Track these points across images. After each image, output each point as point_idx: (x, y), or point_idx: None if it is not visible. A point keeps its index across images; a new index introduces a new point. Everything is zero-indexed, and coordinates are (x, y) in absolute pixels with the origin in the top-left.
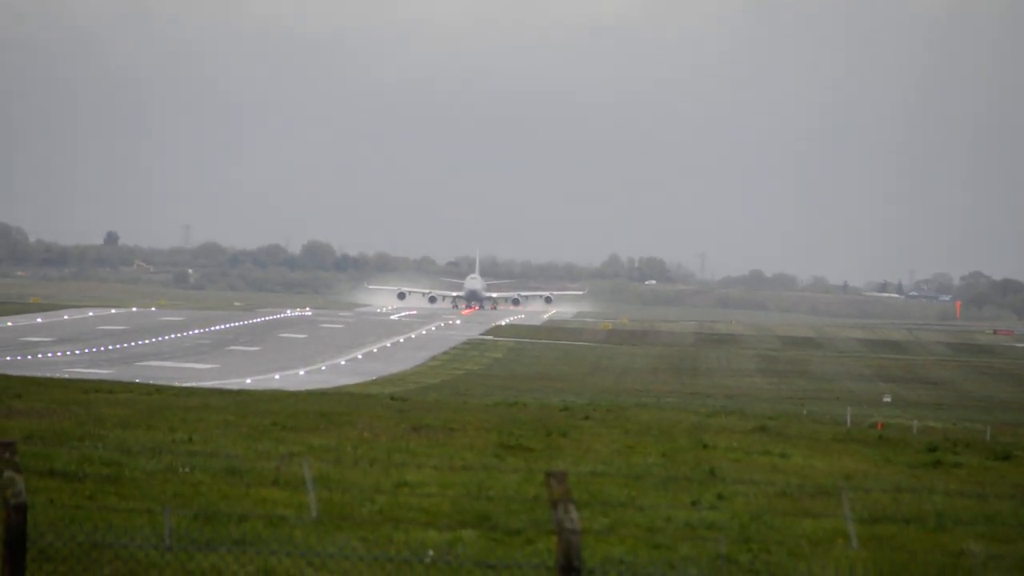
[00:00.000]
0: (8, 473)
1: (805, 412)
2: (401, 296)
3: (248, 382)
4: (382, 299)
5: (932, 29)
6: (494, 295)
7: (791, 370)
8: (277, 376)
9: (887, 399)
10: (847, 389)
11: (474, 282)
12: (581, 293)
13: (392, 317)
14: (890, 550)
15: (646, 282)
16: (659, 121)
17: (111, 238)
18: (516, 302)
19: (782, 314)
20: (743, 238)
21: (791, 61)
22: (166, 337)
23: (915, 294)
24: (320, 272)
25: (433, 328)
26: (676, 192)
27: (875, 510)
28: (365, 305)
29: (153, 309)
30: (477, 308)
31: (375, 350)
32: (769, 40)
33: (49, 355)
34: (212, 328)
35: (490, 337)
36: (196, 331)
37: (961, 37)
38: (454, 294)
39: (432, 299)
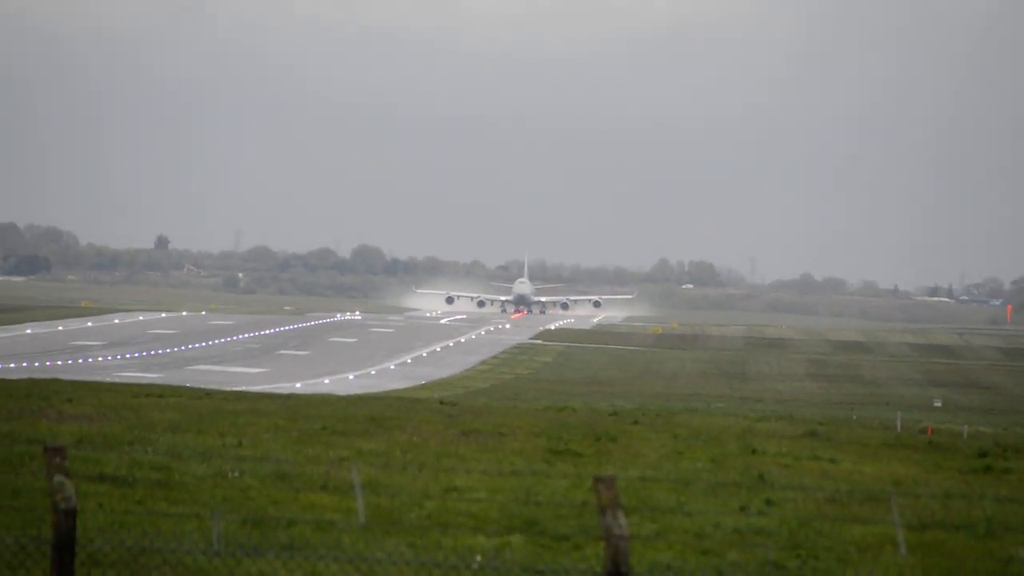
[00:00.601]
0: (58, 477)
1: (855, 417)
2: (449, 300)
3: (298, 386)
4: (430, 303)
5: (982, 30)
6: (543, 299)
7: (841, 375)
8: (327, 380)
9: (937, 404)
10: (897, 394)
11: (523, 286)
12: (630, 297)
13: (442, 321)
14: (939, 556)
15: (683, 285)
16: (708, 125)
17: (161, 242)
18: (565, 306)
19: (832, 318)
20: (793, 242)
21: (840, 64)
22: (216, 341)
23: (965, 298)
24: (370, 276)
25: (482, 332)
26: (726, 196)
27: (924, 516)
28: (414, 309)
29: (203, 313)
30: (526, 312)
31: (425, 354)
32: (817, 42)
33: (100, 359)
34: (262, 332)
35: (539, 341)
36: (246, 335)
37: (1012, 38)
38: (503, 298)
39: (480, 303)
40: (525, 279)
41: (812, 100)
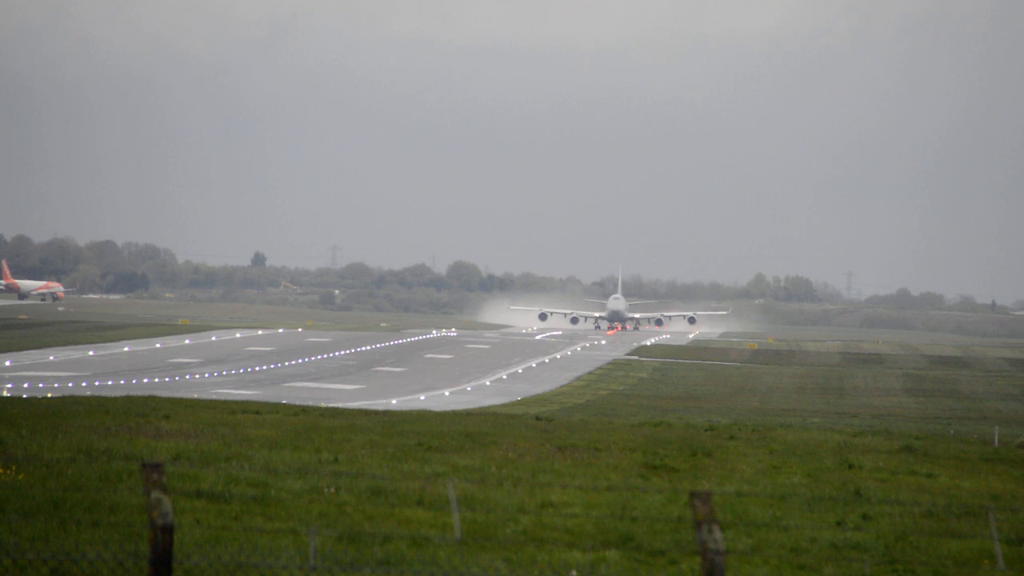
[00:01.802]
0: (156, 494)
1: (952, 432)
2: (543, 317)
3: (394, 403)
4: (524, 320)
5: None
6: (637, 315)
7: (938, 389)
8: (422, 397)
9: None
10: (995, 409)
11: (616, 302)
12: (725, 313)
13: (537, 337)
14: None
15: (766, 297)
16: (803, 140)
17: (258, 259)
18: (659, 322)
19: (929, 333)
20: (890, 256)
21: (933, 73)
22: (312, 358)
23: None
24: (465, 292)
25: (578, 348)
26: (823, 211)
27: (1022, 530)
28: (507, 326)
29: (300, 330)
30: (619, 329)
31: (520, 370)
32: (911, 53)
33: (197, 376)
34: (358, 349)
35: (635, 357)
36: (342, 352)
37: None
38: (596, 314)
39: (574, 320)
40: (619, 295)
41: (909, 114)
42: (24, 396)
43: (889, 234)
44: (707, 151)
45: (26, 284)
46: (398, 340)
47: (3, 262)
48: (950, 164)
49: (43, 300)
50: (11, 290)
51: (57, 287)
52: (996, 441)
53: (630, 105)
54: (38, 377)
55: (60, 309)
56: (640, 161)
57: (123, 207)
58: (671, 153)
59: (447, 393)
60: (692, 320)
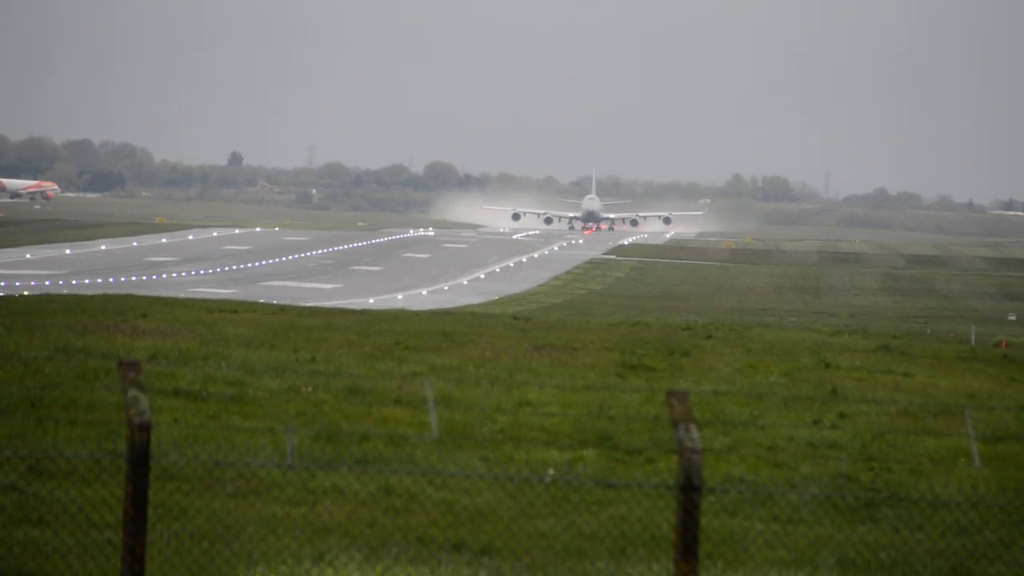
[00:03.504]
0: (132, 392)
1: (928, 331)
2: (516, 217)
3: (371, 302)
4: (496, 220)
5: None
6: (612, 216)
7: (915, 289)
8: (400, 296)
9: (1012, 317)
10: (972, 308)
11: (591, 203)
12: (701, 213)
13: (514, 237)
14: (1013, 468)
15: (744, 197)
16: (782, 39)
17: (235, 159)
18: (635, 223)
19: (906, 232)
20: (868, 156)
21: None
22: (290, 257)
23: None
24: (442, 191)
25: (556, 248)
26: (801, 110)
27: (999, 429)
28: (481, 226)
29: (277, 229)
30: (594, 229)
31: (498, 270)
32: None
33: (174, 275)
34: (335, 248)
35: (612, 257)
36: (319, 251)
37: None
38: (571, 215)
39: (548, 220)
40: (594, 195)
41: (887, 11)
42: (0, 295)
43: (867, 134)
44: (684, 49)
45: (13, 183)
46: (375, 239)
47: None
48: (928, 63)
49: (32, 199)
50: None
51: (50, 186)
52: (973, 340)
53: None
54: (14, 275)
55: (36, 208)
56: (618, 61)
57: (100, 106)
58: (649, 52)
59: (424, 292)
60: (668, 220)
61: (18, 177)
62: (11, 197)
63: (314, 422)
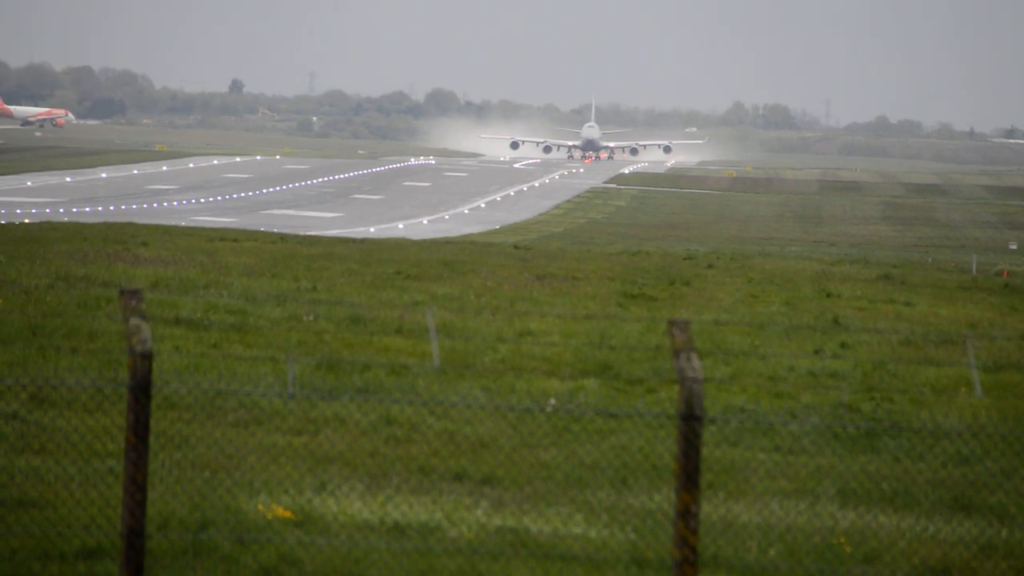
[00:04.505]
0: (134, 320)
1: (930, 260)
2: (514, 146)
3: (372, 231)
4: (495, 149)
5: None
6: (611, 144)
7: (915, 217)
8: (400, 225)
9: (1013, 246)
10: (972, 236)
11: (591, 131)
12: (701, 142)
13: (515, 166)
14: (1014, 398)
15: (745, 125)
16: None
17: (236, 86)
18: (634, 151)
19: (907, 161)
20: (868, 84)
21: None
22: (290, 185)
23: None
24: (443, 119)
25: (556, 176)
26: (802, 38)
27: (1000, 358)
28: (479, 155)
29: (277, 157)
30: (593, 159)
31: (498, 198)
32: None
33: (175, 203)
34: (336, 177)
35: (613, 185)
36: (320, 179)
37: None
38: (570, 143)
39: (547, 148)
40: (593, 123)
41: None
42: (1, 222)
43: (867, 61)
44: None
45: (21, 110)
46: (376, 168)
47: None
48: None
49: (41, 127)
50: (3, 115)
51: (60, 113)
52: (974, 269)
53: None
54: (14, 203)
55: (37, 135)
56: None
57: (99, 32)
58: None
59: (425, 221)
60: (668, 149)
61: (18, 103)
62: (22, 125)
63: (315, 351)
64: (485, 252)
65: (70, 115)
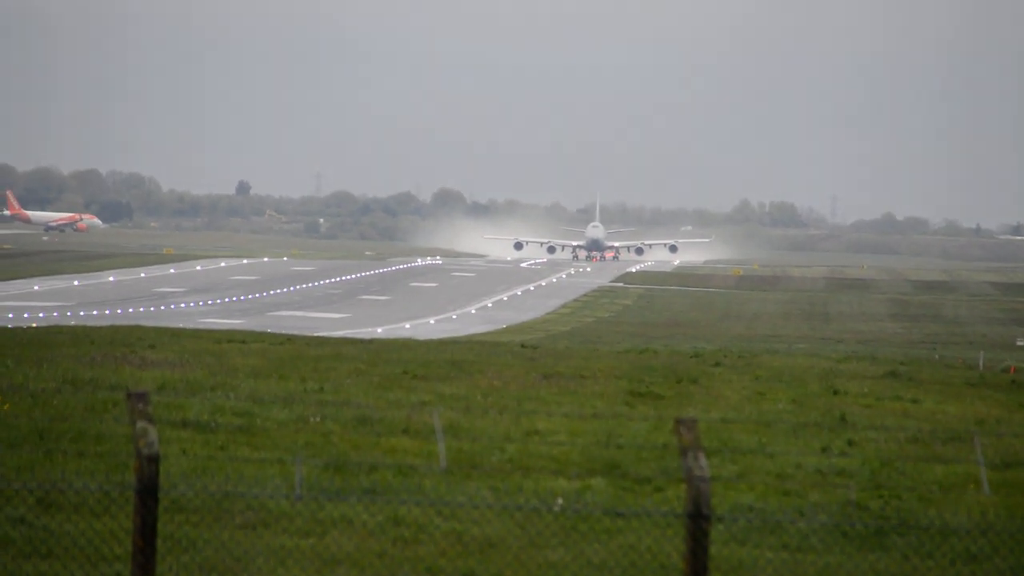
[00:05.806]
0: (141, 423)
1: (937, 357)
2: (518, 246)
3: (379, 331)
4: (499, 249)
5: None
6: (616, 244)
7: (922, 314)
8: (408, 325)
9: (1020, 343)
10: (980, 333)
11: (595, 230)
12: (707, 241)
13: (522, 265)
14: (1022, 495)
15: (751, 223)
16: (788, 65)
17: (243, 188)
18: (640, 251)
19: (914, 258)
20: (875, 181)
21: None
22: (297, 287)
23: None
24: (450, 220)
25: (563, 276)
26: (808, 136)
27: (1008, 455)
28: (484, 256)
29: (285, 259)
30: (598, 259)
31: (505, 298)
32: None
33: (182, 305)
34: (343, 278)
35: (620, 284)
36: (327, 281)
37: None
38: (574, 243)
39: (551, 249)
40: (598, 223)
41: (896, 38)
42: (8, 326)
43: (874, 158)
44: (693, 75)
45: (39, 215)
46: (383, 268)
47: (8, 192)
48: (936, 88)
49: (62, 231)
50: (21, 220)
51: (90, 219)
52: (981, 365)
53: (605, 29)
54: (23, 307)
55: (45, 239)
56: (626, 87)
57: (107, 136)
58: (657, 78)
59: (432, 321)
60: (674, 248)
61: (27, 208)
62: (45, 230)
63: (323, 452)
64: (492, 352)
65: (97, 220)
